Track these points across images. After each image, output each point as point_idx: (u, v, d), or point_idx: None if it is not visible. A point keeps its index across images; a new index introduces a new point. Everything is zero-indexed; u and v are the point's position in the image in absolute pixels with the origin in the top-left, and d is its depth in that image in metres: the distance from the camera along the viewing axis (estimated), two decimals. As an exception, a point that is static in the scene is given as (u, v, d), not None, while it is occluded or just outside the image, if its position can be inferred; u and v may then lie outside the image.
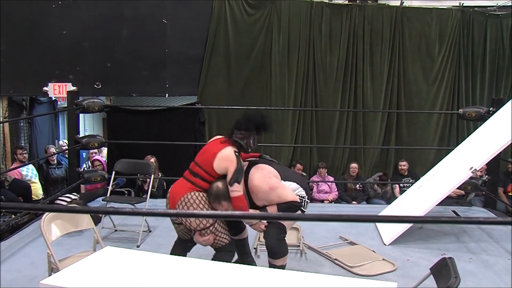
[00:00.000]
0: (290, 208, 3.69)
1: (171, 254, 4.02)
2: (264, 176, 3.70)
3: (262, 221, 3.75)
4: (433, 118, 8.03)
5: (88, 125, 11.39)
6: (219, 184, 3.69)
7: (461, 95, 7.98)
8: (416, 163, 7.98)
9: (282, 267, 3.78)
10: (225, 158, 3.67)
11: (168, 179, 7.02)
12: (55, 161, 8.45)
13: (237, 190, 3.62)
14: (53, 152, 8.46)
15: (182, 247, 4.05)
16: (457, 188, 5.74)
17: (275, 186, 3.69)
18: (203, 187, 3.72)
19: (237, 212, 3.49)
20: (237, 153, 3.68)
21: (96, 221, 4.76)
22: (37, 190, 7.76)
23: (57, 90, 7.78)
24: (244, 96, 7.83)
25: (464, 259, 4.61)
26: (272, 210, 3.68)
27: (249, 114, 3.81)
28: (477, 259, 4.67)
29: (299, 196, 3.78)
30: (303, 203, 3.79)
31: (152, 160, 6.73)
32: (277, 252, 3.75)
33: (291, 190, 3.74)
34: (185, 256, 4.02)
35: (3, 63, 7.72)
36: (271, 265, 3.79)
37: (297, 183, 3.82)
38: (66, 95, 6.89)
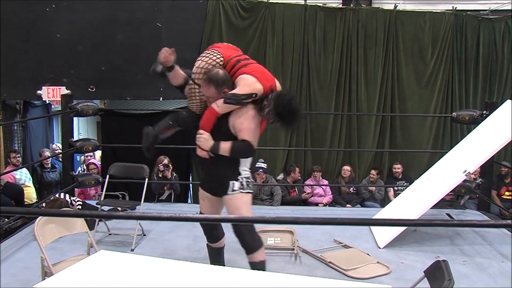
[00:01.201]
0: (245, 150, 3.58)
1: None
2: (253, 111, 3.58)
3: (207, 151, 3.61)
4: (426, 122, 8.05)
5: (82, 129, 11.38)
6: (220, 71, 3.57)
7: (455, 99, 8.00)
8: (410, 166, 8.00)
9: (262, 263, 3.71)
10: (245, 78, 3.56)
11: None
12: (49, 165, 8.43)
13: (220, 107, 3.53)
14: (47, 156, 8.44)
15: None
16: (451, 191, 5.76)
17: (253, 121, 3.58)
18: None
19: (231, 216, 3.48)
20: (254, 95, 3.52)
21: (91, 226, 4.76)
22: (31, 193, 7.74)
23: (51, 94, 7.76)
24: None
25: (458, 261, 4.63)
26: (225, 146, 3.56)
27: (291, 97, 3.52)
28: (471, 261, 4.69)
29: (245, 177, 3.67)
30: (248, 184, 3.69)
31: (166, 160, 6.70)
32: (252, 246, 3.66)
33: (256, 136, 3.61)
34: None
35: (-3, 66, 7.71)
36: (251, 263, 3.71)
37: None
38: (60, 99, 6.88)
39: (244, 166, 3.70)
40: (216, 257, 4.07)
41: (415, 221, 2.94)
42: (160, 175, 6.70)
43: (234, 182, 3.66)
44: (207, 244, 4.08)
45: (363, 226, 5.35)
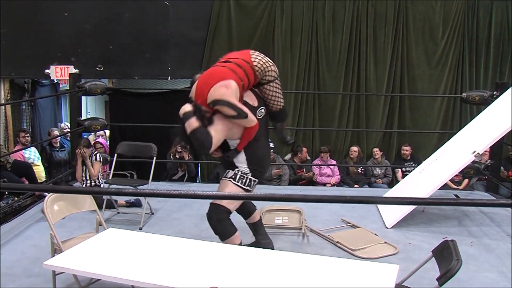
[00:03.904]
0: (200, 140, 3.53)
1: None
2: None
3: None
4: (436, 102, 7.98)
5: (90, 108, 11.38)
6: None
7: (465, 79, 7.90)
8: (419, 147, 7.95)
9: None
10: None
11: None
12: (58, 144, 8.45)
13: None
14: (56, 135, 8.46)
15: None
16: (460, 172, 5.73)
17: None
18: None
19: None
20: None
21: (100, 205, 4.77)
22: (40, 172, 7.77)
23: (59, 73, 7.76)
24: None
25: (466, 242, 4.62)
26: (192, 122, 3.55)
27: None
28: (479, 242, 4.68)
29: (242, 171, 3.79)
30: (242, 178, 3.79)
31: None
32: (219, 233, 3.78)
33: (221, 136, 3.62)
34: None
35: (4, 45, 7.69)
36: None
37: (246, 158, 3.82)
38: (68, 78, 6.88)
39: (241, 163, 3.82)
40: (256, 231, 4.22)
41: (423, 200, 2.94)
42: (177, 156, 6.70)
43: (230, 170, 3.86)
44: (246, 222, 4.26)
45: (371, 204, 5.34)
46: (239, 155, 3.79)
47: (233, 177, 3.80)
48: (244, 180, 3.79)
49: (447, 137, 6.35)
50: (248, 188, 3.82)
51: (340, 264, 3.13)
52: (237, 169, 3.81)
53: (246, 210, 4.17)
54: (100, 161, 5.66)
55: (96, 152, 5.69)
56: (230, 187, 3.79)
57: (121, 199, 5.52)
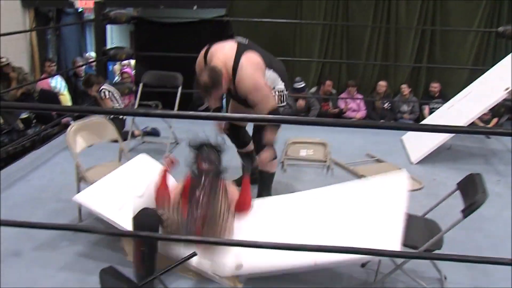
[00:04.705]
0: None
1: None
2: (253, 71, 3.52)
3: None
4: (469, 37, 7.66)
5: (115, 38, 11.32)
6: None
7: (502, 14, 7.53)
8: (448, 84, 7.71)
9: (272, 175, 3.94)
10: None
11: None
12: (83, 74, 8.47)
13: None
14: (81, 64, 8.46)
15: None
16: (489, 110, 5.59)
17: (259, 86, 3.50)
18: None
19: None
20: None
21: (124, 137, 4.80)
22: (67, 101, 7.85)
23: (84, 1, 7.67)
24: (273, 10, 7.58)
25: (492, 181, 4.54)
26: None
27: None
28: (505, 181, 4.62)
29: (278, 91, 3.66)
30: (282, 98, 3.69)
31: None
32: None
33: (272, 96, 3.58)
34: None
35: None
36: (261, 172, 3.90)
37: (278, 74, 3.68)
38: (93, 6, 6.80)
39: (279, 84, 3.69)
40: (246, 159, 4.10)
41: (452, 128, 2.85)
42: None
43: None
44: (237, 151, 4.19)
45: (398, 130, 5.22)
46: (271, 73, 3.64)
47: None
48: (281, 98, 3.68)
49: (478, 74, 6.14)
50: (283, 104, 3.74)
51: (351, 185, 3.17)
52: (273, 89, 3.65)
53: (241, 141, 4.16)
54: (107, 97, 5.58)
55: (102, 89, 5.60)
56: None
57: (138, 129, 5.54)
